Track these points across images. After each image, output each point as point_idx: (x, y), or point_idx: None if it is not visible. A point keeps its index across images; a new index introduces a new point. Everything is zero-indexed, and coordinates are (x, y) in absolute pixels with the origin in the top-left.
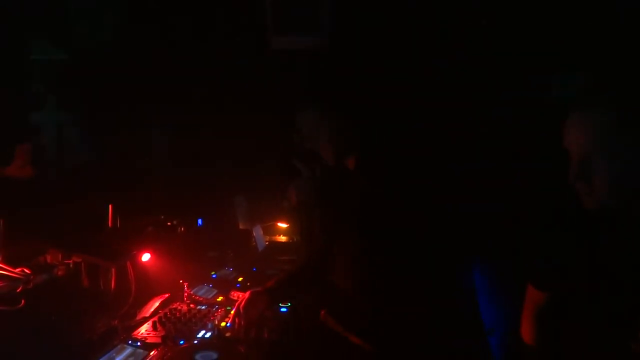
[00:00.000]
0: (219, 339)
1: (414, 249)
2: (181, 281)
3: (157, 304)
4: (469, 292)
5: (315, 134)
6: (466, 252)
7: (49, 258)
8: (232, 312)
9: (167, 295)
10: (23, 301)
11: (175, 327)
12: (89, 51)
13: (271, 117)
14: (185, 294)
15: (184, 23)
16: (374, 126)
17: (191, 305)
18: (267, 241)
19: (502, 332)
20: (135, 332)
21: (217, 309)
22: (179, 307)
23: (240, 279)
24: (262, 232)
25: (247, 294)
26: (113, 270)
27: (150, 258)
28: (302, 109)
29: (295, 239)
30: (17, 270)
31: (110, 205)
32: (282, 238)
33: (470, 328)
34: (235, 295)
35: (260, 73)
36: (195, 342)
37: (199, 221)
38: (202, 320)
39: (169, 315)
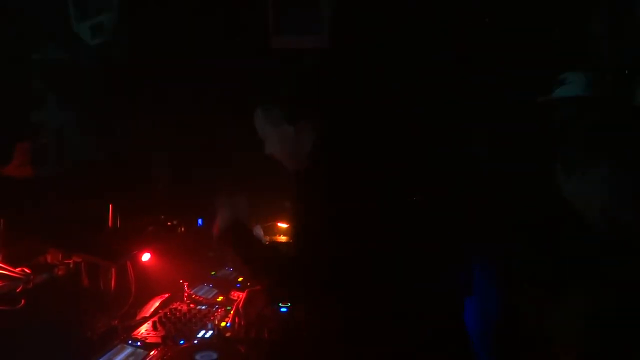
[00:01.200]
0: (219, 339)
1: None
2: (181, 281)
3: (157, 303)
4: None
5: (266, 138)
6: (446, 255)
7: (49, 258)
8: (232, 311)
9: (167, 295)
10: (23, 301)
11: (175, 327)
12: (90, 50)
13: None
14: (185, 294)
15: (184, 23)
16: (329, 132)
17: (191, 305)
18: (267, 241)
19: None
20: (135, 332)
21: (217, 308)
22: (179, 307)
23: (240, 279)
24: (262, 232)
25: (245, 293)
26: (113, 270)
27: (151, 258)
28: (257, 113)
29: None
30: (17, 270)
31: (110, 205)
32: (282, 238)
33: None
34: (235, 295)
35: (260, 72)
36: (195, 342)
37: (199, 221)
38: (202, 320)
39: (169, 315)
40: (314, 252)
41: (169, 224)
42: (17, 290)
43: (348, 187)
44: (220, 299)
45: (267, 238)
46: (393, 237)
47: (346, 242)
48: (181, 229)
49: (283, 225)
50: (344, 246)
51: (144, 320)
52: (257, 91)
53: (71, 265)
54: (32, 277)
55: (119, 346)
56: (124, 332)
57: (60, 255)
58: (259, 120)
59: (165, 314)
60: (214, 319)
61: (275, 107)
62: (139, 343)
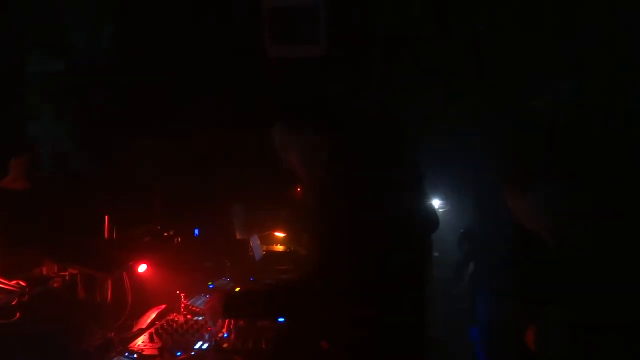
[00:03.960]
0: (216, 350)
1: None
2: (178, 292)
3: (153, 315)
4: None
5: (286, 149)
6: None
7: (44, 270)
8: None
9: (163, 306)
10: (18, 314)
11: (172, 338)
12: (85, 62)
13: (269, 126)
14: (182, 305)
15: (180, 34)
16: (347, 140)
17: (188, 316)
18: (264, 250)
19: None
20: (132, 344)
21: None
22: (176, 318)
23: (237, 289)
24: (259, 242)
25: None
26: (109, 281)
27: (147, 269)
28: (273, 124)
29: (292, 249)
30: (13, 282)
31: (106, 216)
32: (280, 247)
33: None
34: None
35: (258, 82)
36: (193, 353)
37: (196, 231)
38: (199, 331)
39: (165, 327)
40: (327, 262)
41: (165, 234)
42: (12, 303)
43: (366, 199)
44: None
45: (264, 247)
46: (407, 249)
47: (361, 252)
48: (178, 239)
49: (280, 234)
50: (358, 256)
51: (141, 332)
52: (259, 101)
53: (67, 277)
54: (27, 289)
55: (115, 358)
56: (120, 344)
57: (55, 267)
58: (279, 130)
59: (162, 325)
60: (211, 330)
61: (297, 117)
62: (135, 355)
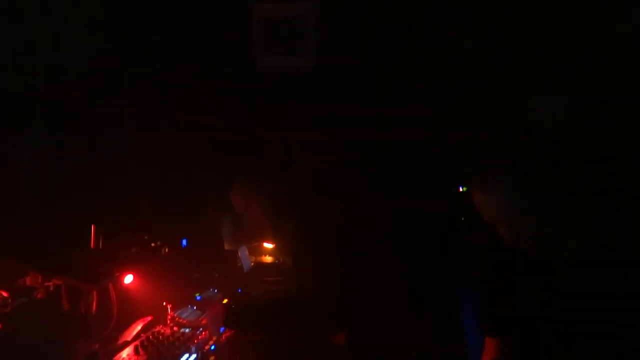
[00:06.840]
0: None
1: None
2: (165, 303)
3: (139, 327)
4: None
5: (246, 202)
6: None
7: (28, 280)
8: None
9: (150, 318)
10: (0, 325)
11: (157, 351)
12: (69, 69)
13: (257, 137)
14: (169, 317)
15: (168, 42)
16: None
17: (174, 328)
18: (252, 262)
19: None
20: (117, 357)
21: (201, 331)
22: (162, 330)
23: (225, 301)
24: (247, 253)
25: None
26: (94, 292)
27: (133, 280)
28: (231, 180)
29: (281, 260)
30: None
31: (92, 226)
32: (268, 259)
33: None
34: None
35: (245, 92)
36: None
37: (184, 242)
38: (185, 344)
39: (151, 339)
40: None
41: (152, 244)
42: None
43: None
44: (204, 321)
45: (253, 259)
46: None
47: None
48: (165, 250)
49: (269, 245)
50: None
51: (126, 344)
52: (243, 110)
53: (51, 288)
54: (9, 300)
55: None
56: (105, 356)
57: (40, 278)
58: (239, 186)
59: (148, 337)
60: (198, 342)
61: (257, 172)
62: None
